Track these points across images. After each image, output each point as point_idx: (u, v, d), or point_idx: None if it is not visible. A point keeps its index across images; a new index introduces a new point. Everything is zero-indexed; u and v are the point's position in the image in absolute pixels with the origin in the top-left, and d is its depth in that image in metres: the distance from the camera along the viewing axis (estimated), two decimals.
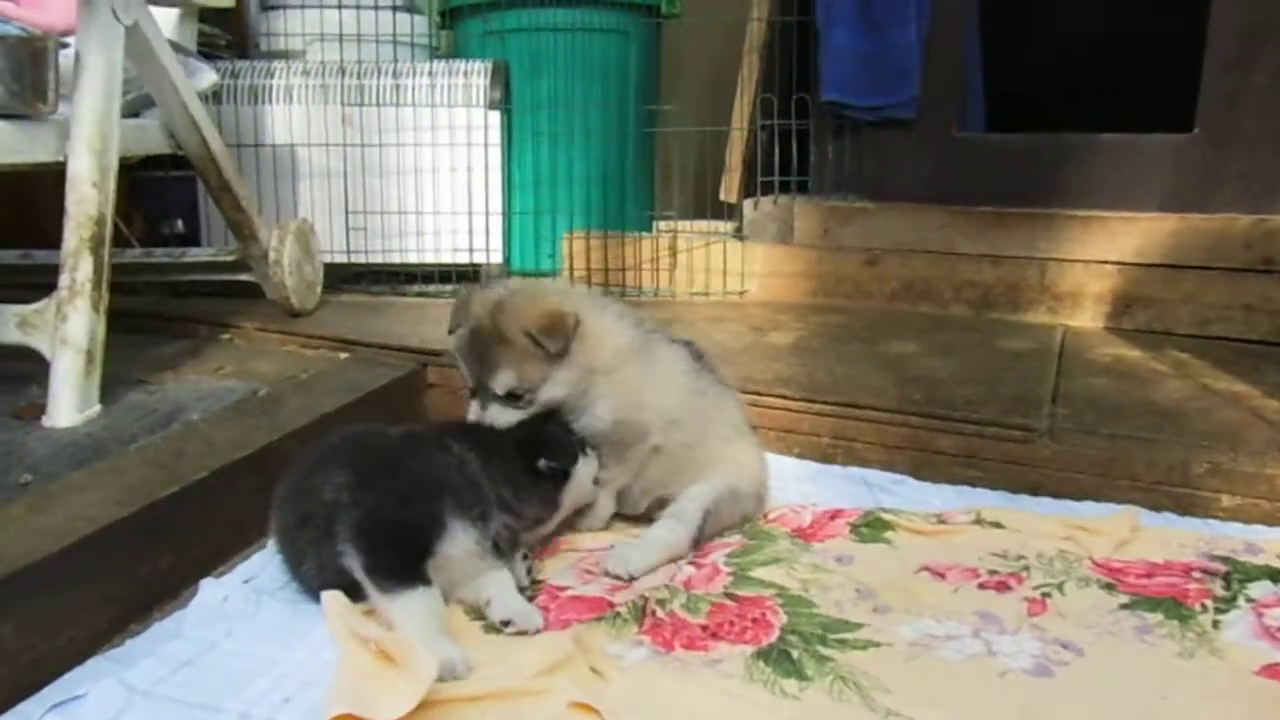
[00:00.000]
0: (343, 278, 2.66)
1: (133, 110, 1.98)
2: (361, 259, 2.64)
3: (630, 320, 1.42)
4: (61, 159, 1.65)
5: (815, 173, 2.69)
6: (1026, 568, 1.25)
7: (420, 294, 2.63)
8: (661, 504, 1.39)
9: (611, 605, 1.15)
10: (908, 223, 2.49)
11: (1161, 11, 2.73)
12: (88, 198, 1.63)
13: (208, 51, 2.63)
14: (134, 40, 1.74)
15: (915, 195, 2.55)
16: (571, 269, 2.76)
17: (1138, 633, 1.09)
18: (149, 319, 2.28)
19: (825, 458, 1.70)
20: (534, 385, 1.28)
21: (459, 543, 1.11)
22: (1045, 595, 1.18)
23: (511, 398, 1.28)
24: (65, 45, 1.69)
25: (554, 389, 1.29)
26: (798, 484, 1.61)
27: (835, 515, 1.41)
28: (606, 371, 1.34)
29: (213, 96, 2.33)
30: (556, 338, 1.26)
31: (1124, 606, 1.15)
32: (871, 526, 1.38)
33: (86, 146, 1.63)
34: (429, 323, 2.28)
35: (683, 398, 1.40)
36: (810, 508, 1.44)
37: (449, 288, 2.64)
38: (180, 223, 2.87)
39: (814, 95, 2.57)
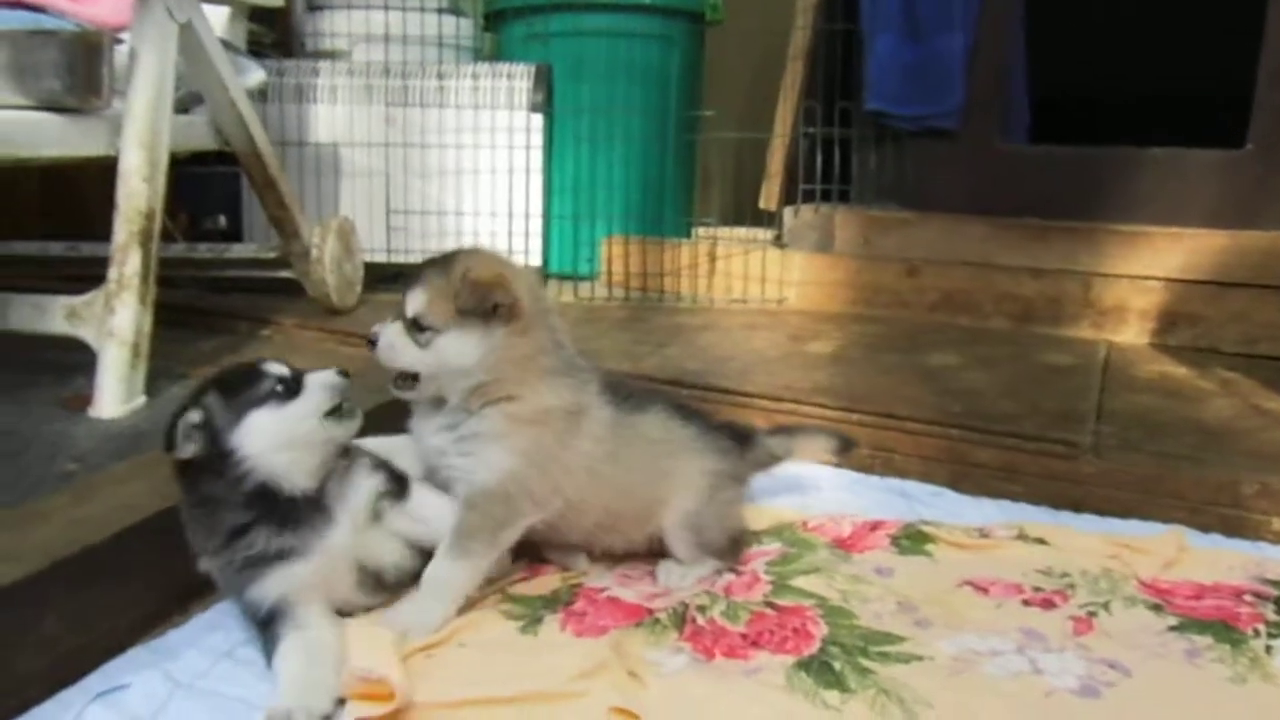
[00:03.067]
0: (382, 277, 2.67)
1: (182, 106, 2.00)
2: (401, 258, 2.66)
3: (575, 383, 1.23)
4: (113, 153, 1.67)
5: (856, 182, 2.67)
6: (1071, 585, 1.23)
7: None
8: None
9: (650, 611, 1.14)
10: (949, 233, 2.47)
11: (1214, 25, 2.69)
12: (137, 192, 1.65)
13: (254, 50, 2.65)
14: (186, 38, 1.76)
15: (957, 206, 2.53)
16: (609, 273, 2.77)
17: (1187, 656, 1.07)
18: (191, 313, 2.31)
19: (863, 468, 1.68)
20: (435, 325, 1.14)
21: None
22: (1091, 614, 1.16)
23: (414, 327, 1.16)
24: (120, 41, 1.71)
25: (450, 344, 1.15)
26: (835, 493, 1.59)
27: (875, 526, 1.40)
28: (516, 417, 1.17)
29: (259, 94, 2.35)
30: (474, 293, 1.14)
31: (1172, 628, 1.13)
32: (912, 539, 1.36)
33: (138, 141, 1.65)
34: None
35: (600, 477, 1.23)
36: (849, 517, 1.42)
37: None
38: (223, 218, 2.89)
39: (857, 103, 2.56)
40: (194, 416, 1.04)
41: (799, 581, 1.23)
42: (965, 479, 1.61)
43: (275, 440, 1.05)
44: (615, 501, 1.25)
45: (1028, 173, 2.52)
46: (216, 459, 1.04)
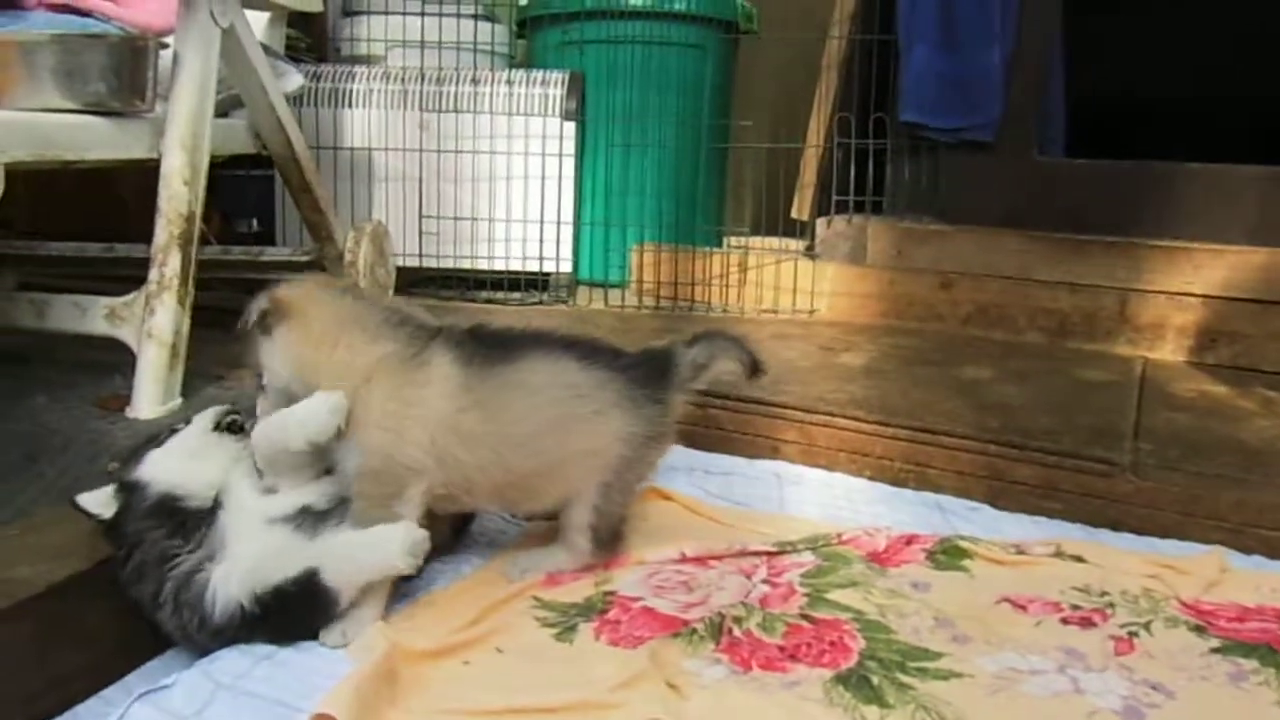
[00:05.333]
0: (413, 281, 2.69)
1: (221, 110, 2.02)
2: (433, 263, 2.67)
3: (392, 325, 1.17)
4: (155, 156, 1.68)
5: (890, 193, 2.66)
6: (1111, 605, 1.22)
7: (488, 300, 2.65)
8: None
9: (686, 622, 1.14)
10: (983, 246, 2.45)
11: (1260, 38, 2.67)
12: (179, 195, 1.67)
13: (290, 55, 2.68)
14: (229, 42, 1.78)
15: (992, 219, 2.51)
16: (640, 281, 2.77)
17: (1231, 679, 1.06)
18: (224, 315, 2.31)
19: (897, 481, 1.67)
20: (257, 371, 1.18)
21: None
22: (1132, 634, 1.14)
23: (259, 386, 1.19)
24: (165, 45, 1.73)
25: (269, 376, 1.17)
26: (870, 506, 1.58)
27: (911, 540, 1.39)
28: (353, 385, 1.12)
29: (295, 99, 2.37)
30: (240, 326, 1.17)
31: (1215, 650, 1.11)
32: (948, 554, 1.35)
33: (180, 145, 1.67)
34: None
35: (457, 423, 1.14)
36: (885, 531, 1.41)
37: (517, 295, 2.66)
38: (256, 221, 2.92)
39: (891, 114, 2.55)
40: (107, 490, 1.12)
41: (835, 595, 1.22)
42: (1002, 495, 1.59)
43: (169, 458, 1.13)
44: (507, 458, 1.15)
45: (1065, 186, 2.51)
46: (128, 501, 1.10)
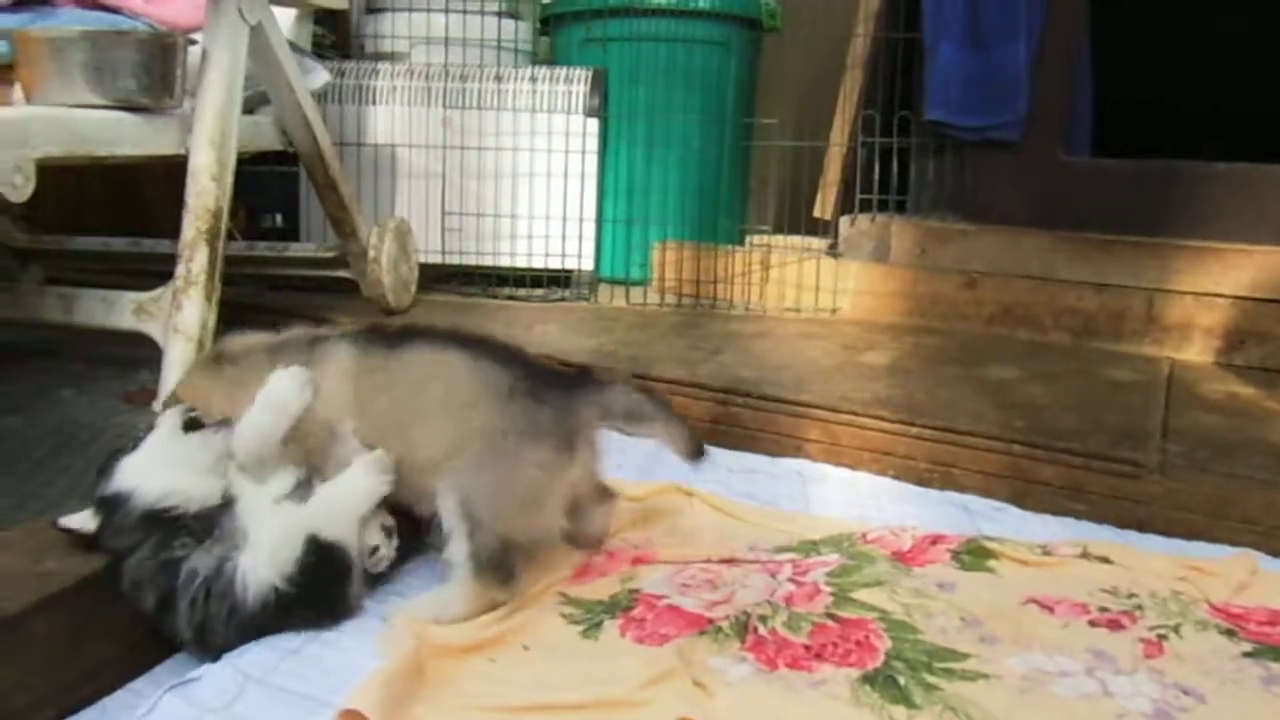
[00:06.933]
0: (435, 277, 2.70)
1: (248, 107, 2.03)
2: (455, 260, 2.67)
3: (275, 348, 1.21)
4: (183, 152, 1.70)
5: (914, 192, 2.65)
6: (1139, 606, 1.21)
7: (510, 297, 2.65)
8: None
9: (711, 621, 1.14)
10: (1008, 246, 2.44)
11: None
12: (206, 190, 1.68)
13: (314, 51, 2.69)
14: (256, 39, 1.79)
15: (1017, 218, 2.49)
16: (662, 279, 2.77)
17: (1263, 683, 1.05)
18: (248, 310, 2.33)
19: (922, 481, 1.66)
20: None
21: None
22: (1161, 637, 1.13)
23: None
24: (193, 42, 1.74)
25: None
26: (894, 505, 1.58)
27: (936, 540, 1.38)
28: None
29: (319, 95, 2.38)
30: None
31: (1247, 654, 1.10)
32: (974, 554, 1.34)
33: (208, 141, 1.68)
34: (520, 325, 2.31)
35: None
36: (910, 530, 1.41)
37: (539, 291, 2.66)
38: (279, 217, 2.94)
39: (916, 113, 2.53)
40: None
41: (860, 594, 1.22)
42: (1028, 495, 1.58)
43: (150, 468, 1.11)
44: (389, 453, 1.14)
45: (1091, 186, 2.48)
46: (109, 517, 1.09)
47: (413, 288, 2.46)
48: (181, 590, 1.04)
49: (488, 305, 2.59)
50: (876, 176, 2.54)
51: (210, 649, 1.04)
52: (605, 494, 1.31)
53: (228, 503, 1.11)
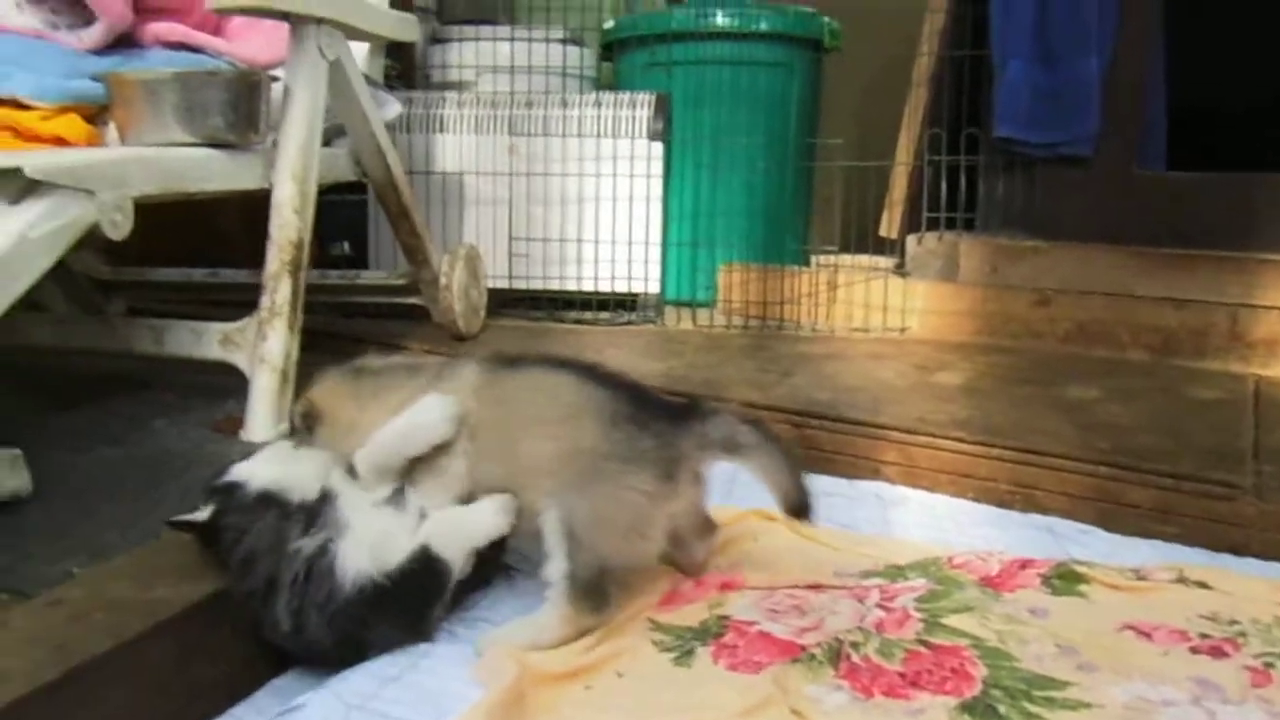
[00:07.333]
0: (502, 302, 2.73)
1: (325, 139, 2.08)
2: (522, 284, 2.70)
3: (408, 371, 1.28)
4: (265, 186, 1.74)
5: (982, 209, 2.63)
6: (1242, 633, 1.18)
7: (577, 320, 2.67)
8: None
9: (803, 647, 1.13)
10: (1082, 262, 2.40)
11: None
12: (289, 223, 1.72)
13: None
14: (335, 75, 1.83)
15: (1090, 234, 2.46)
16: (728, 301, 2.77)
17: None
18: (322, 337, 2.38)
19: (1003, 503, 1.64)
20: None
21: None
22: (1268, 665, 1.10)
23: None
24: (276, 79, 1.79)
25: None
26: (976, 529, 1.56)
27: (1024, 565, 1.36)
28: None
29: (390, 126, 2.43)
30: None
31: None
32: (1064, 579, 1.32)
33: (290, 175, 1.72)
34: (589, 349, 2.32)
35: None
36: (997, 555, 1.39)
37: (605, 315, 2.68)
38: (346, 245, 2.99)
39: (982, 130, 2.52)
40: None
41: (951, 620, 1.20)
42: (1114, 518, 1.55)
43: (257, 465, 1.21)
44: (490, 464, 1.17)
45: (1168, 200, 2.44)
46: (226, 500, 1.16)
47: (482, 313, 2.49)
48: (285, 566, 1.09)
49: (555, 329, 2.61)
50: (944, 194, 2.52)
51: (302, 644, 1.09)
52: (708, 527, 1.32)
53: (328, 497, 1.16)
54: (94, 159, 1.42)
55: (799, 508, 1.22)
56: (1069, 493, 1.60)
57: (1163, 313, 2.29)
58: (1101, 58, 2.41)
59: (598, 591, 1.11)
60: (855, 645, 1.13)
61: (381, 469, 1.17)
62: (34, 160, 1.30)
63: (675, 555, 1.27)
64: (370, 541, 1.11)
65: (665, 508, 1.15)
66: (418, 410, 1.16)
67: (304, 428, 1.24)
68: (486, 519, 1.15)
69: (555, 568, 1.10)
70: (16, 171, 1.27)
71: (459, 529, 1.14)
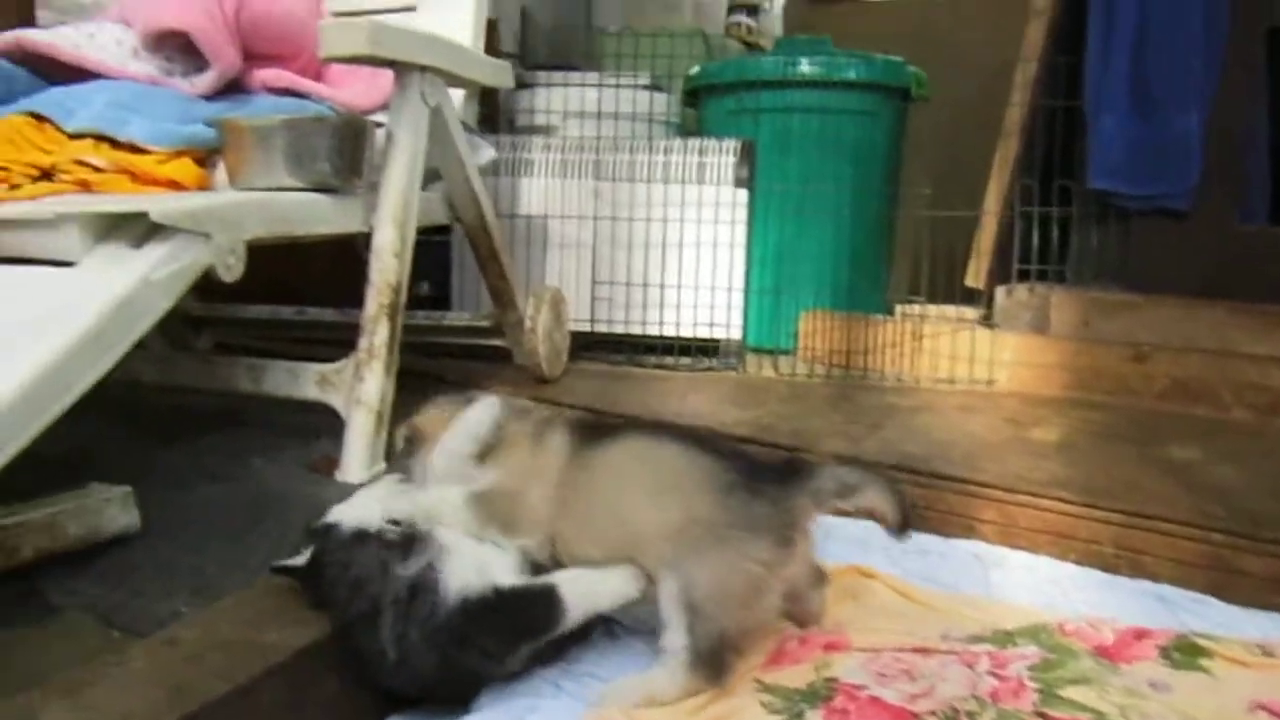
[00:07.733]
0: (584, 345, 2.73)
1: (421, 183, 2.12)
2: (604, 328, 2.71)
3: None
4: (367, 229, 1.77)
5: (1074, 262, 2.58)
6: None
7: (658, 365, 2.67)
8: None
9: (916, 715, 1.09)
10: (1182, 317, 2.34)
11: None
12: (389, 267, 1.74)
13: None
14: (435, 121, 1.86)
15: (1188, 289, 2.40)
16: (810, 348, 2.75)
17: None
18: (406, 376, 2.40)
19: (1108, 567, 1.58)
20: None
21: None
22: None
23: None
24: (379, 125, 1.82)
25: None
26: (1081, 593, 1.50)
27: (1140, 635, 1.31)
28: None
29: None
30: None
31: None
32: (1184, 651, 1.27)
33: (392, 219, 1.75)
34: (674, 396, 2.31)
35: None
36: (1110, 623, 1.33)
37: (687, 360, 2.67)
38: (428, 285, 3.03)
39: (1076, 181, 2.47)
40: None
41: (1069, 692, 1.16)
42: (1227, 587, 1.49)
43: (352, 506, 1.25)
44: (593, 534, 1.18)
45: (1270, 255, 2.38)
46: (326, 540, 1.19)
47: (564, 356, 2.49)
48: (389, 589, 1.10)
49: (636, 374, 2.60)
50: (1036, 245, 2.47)
51: (405, 676, 1.09)
52: (820, 576, 1.30)
53: (429, 529, 1.18)
54: (213, 203, 1.45)
55: (903, 525, 1.22)
56: (1180, 559, 1.54)
57: (1268, 371, 2.22)
58: (1203, 110, 2.36)
59: (717, 660, 1.10)
60: (971, 715, 1.09)
61: (449, 470, 1.23)
62: (157, 205, 1.34)
63: (791, 609, 1.26)
64: (476, 564, 1.14)
65: (783, 574, 1.14)
66: (466, 417, 1.25)
67: (405, 451, 1.31)
68: (617, 585, 1.15)
69: (674, 639, 1.09)
70: (142, 216, 1.31)
71: (592, 586, 1.15)
